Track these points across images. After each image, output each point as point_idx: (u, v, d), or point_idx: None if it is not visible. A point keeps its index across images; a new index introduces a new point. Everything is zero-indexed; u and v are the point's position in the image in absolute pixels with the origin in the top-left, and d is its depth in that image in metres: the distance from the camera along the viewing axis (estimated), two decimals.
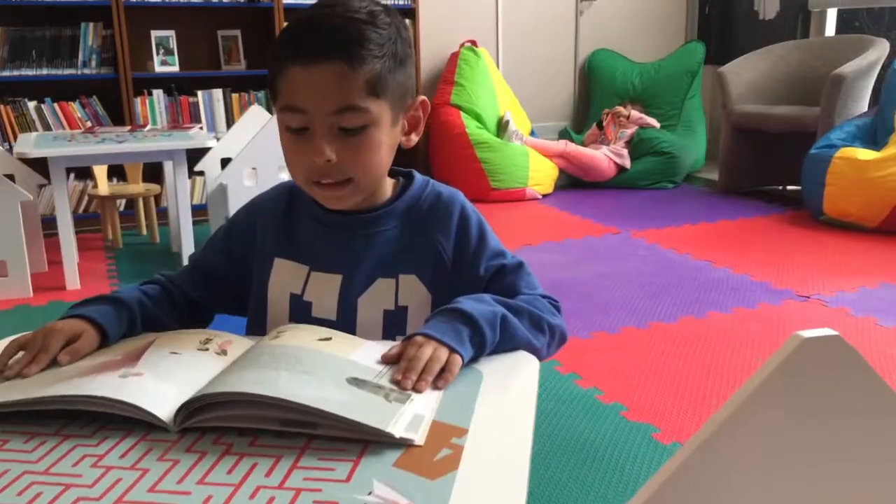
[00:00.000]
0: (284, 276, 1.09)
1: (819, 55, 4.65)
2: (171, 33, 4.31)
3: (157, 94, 4.27)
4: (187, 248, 3.31)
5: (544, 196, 4.71)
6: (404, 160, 1.01)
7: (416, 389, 0.82)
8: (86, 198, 4.19)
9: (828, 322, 2.60)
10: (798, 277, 3.09)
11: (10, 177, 3.23)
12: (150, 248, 3.84)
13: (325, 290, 1.07)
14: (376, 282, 1.06)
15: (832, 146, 3.87)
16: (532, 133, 5.09)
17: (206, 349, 0.92)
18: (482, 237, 1.09)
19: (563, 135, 5.27)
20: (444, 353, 0.87)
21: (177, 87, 4.36)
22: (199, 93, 4.37)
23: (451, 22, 5.04)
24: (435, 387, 0.84)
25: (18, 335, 0.93)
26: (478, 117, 4.73)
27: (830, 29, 5.04)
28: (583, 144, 5.10)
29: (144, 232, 4.03)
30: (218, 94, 4.41)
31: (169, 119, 4.30)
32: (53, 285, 3.17)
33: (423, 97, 1.07)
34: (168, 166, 3.53)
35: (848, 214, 3.76)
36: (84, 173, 4.11)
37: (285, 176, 3.42)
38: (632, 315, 2.70)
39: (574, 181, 4.95)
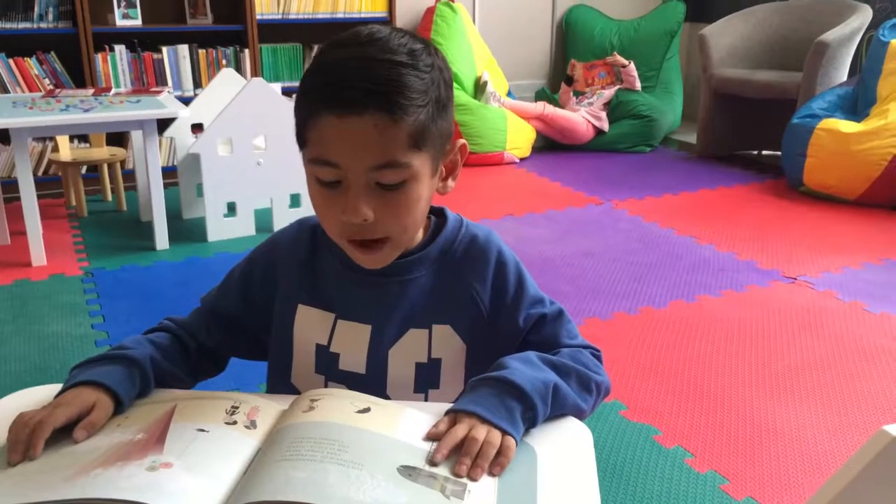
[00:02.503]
0: (309, 325, 1.01)
1: (800, 18, 4.59)
2: None
3: (120, 49, 4.05)
4: (159, 219, 3.18)
5: (522, 160, 4.63)
6: None
7: (472, 477, 0.77)
8: (45, 159, 3.99)
9: (818, 307, 2.60)
10: (783, 256, 3.09)
11: None
12: (118, 217, 3.68)
13: (352, 341, 0.99)
14: (408, 333, 0.99)
15: (814, 116, 3.84)
16: (509, 93, 4.97)
17: (234, 422, 0.84)
18: (521, 284, 1.01)
19: (541, 95, 5.16)
20: (497, 437, 0.81)
21: (139, 42, 4.14)
22: (164, 49, 4.15)
23: None
24: (490, 473, 0.79)
25: (26, 411, 0.84)
26: (455, 77, 4.59)
27: None
28: (559, 104, 5.01)
29: (110, 198, 3.85)
30: (184, 50, 4.19)
31: (132, 77, 4.09)
32: (18, 261, 3.02)
33: (462, 141, 0.97)
34: (136, 134, 3.35)
35: (828, 186, 3.76)
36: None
37: (260, 144, 3.29)
38: (622, 299, 2.67)
39: (551, 143, 4.87)
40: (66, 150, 3.69)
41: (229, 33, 4.31)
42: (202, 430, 0.82)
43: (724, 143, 4.69)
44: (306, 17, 4.42)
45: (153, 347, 0.97)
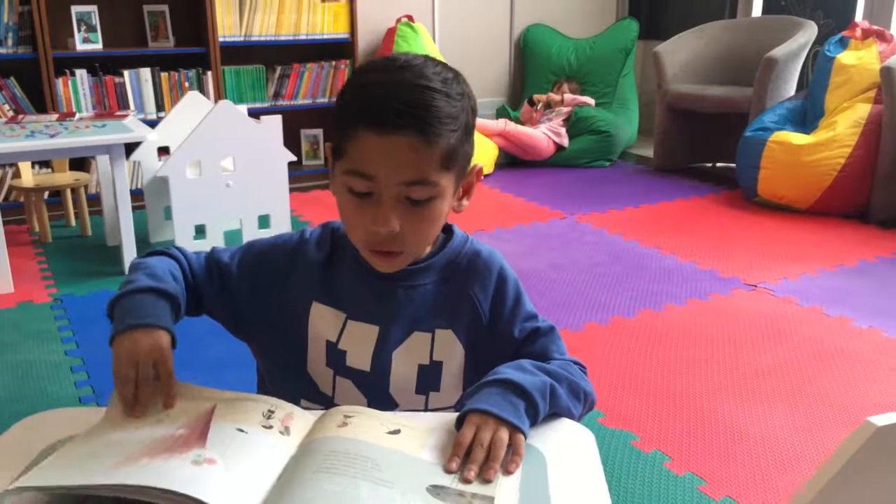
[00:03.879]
0: (321, 322, 1.07)
1: (748, 35, 4.77)
2: (93, 8, 4.04)
3: (81, 73, 4.02)
4: (128, 243, 3.16)
5: (486, 176, 4.70)
6: None
7: (486, 478, 0.81)
8: (6, 185, 3.93)
9: (779, 313, 2.71)
10: (743, 264, 3.20)
11: None
12: (83, 242, 3.64)
13: (360, 340, 1.06)
14: (412, 335, 1.06)
15: (766, 129, 3.99)
16: None
17: (270, 426, 0.87)
18: (518, 299, 1.09)
19: (501, 112, 5.26)
20: (505, 435, 0.85)
21: (101, 65, 4.12)
22: (126, 72, 4.13)
23: None
24: (507, 471, 0.83)
25: (123, 368, 0.90)
26: None
27: (758, 6, 5.16)
28: (519, 121, 5.10)
29: (73, 223, 3.82)
30: (146, 73, 4.18)
31: (94, 102, 4.06)
32: None
33: (479, 165, 1.06)
34: (101, 158, 3.34)
35: (781, 196, 3.90)
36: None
37: (228, 166, 3.30)
38: (593, 310, 2.75)
39: (512, 159, 4.96)
40: (28, 175, 3.65)
41: (191, 56, 4.31)
42: (241, 431, 0.85)
43: (680, 157, 4.83)
44: (269, 38, 4.44)
45: (184, 295, 1.04)
